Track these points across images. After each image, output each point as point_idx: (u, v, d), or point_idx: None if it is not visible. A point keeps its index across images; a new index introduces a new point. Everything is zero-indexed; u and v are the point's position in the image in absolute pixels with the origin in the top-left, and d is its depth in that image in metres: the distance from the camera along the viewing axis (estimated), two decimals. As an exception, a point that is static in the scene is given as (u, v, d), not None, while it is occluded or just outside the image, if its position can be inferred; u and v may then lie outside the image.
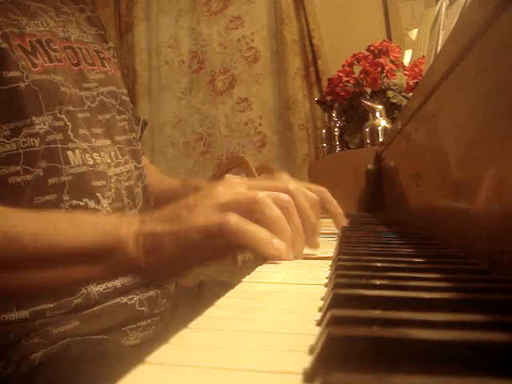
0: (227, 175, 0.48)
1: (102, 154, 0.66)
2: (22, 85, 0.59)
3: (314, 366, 0.16)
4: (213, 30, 2.35)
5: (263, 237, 0.41)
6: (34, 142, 0.59)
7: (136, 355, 0.18)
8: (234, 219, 0.41)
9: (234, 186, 0.46)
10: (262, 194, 0.43)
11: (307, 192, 0.49)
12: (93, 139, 0.66)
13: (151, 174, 0.87)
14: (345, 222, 0.61)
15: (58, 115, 0.62)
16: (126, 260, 0.45)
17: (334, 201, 0.60)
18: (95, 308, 0.60)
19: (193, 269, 0.47)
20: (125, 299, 0.63)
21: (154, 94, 2.41)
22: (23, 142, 0.58)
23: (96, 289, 0.61)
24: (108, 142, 0.69)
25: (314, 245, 0.48)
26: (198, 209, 0.43)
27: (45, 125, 0.60)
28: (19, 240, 0.44)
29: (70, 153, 0.62)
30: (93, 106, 0.68)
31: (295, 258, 0.44)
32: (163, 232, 0.44)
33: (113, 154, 0.69)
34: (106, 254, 0.45)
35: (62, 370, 0.53)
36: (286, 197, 0.45)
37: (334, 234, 0.62)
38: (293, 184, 0.47)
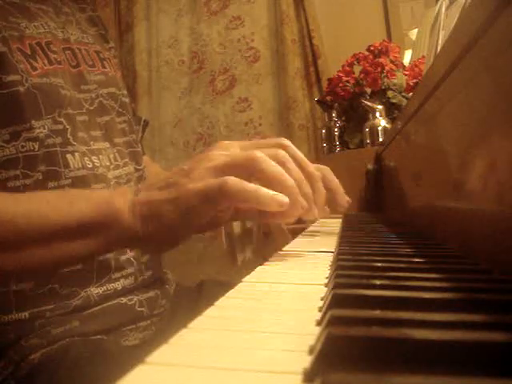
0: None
1: (100, 157, 0.66)
2: (22, 89, 0.59)
3: (314, 366, 0.16)
4: (213, 30, 2.35)
5: (264, 193, 0.41)
6: (33, 146, 0.59)
7: (136, 355, 0.18)
8: (233, 180, 0.41)
9: (228, 148, 0.46)
10: (258, 153, 0.43)
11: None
12: (91, 142, 0.66)
13: (151, 169, 0.87)
14: (346, 201, 0.60)
15: (58, 118, 0.61)
16: (123, 230, 0.44)
17: (335, 178, 0.60)
18: (95, 308, 0.60)
19: (191, 235, 0.47)
20: (124, 300, 0.63)
21: (154, 94, 2.41)
22: (22, 146, 0.58)
23: (96, 291, 0.61)
24: (107, 144, 0.68)
25: (318, 198, 0.48)
26: (194, 173, 0.43)
27: (44, 128, 0.60)
28: (12, 221, 0.44)
29: (69, 156, 0.61)
30: (91, 108, 0.68)
31: (315, 214, 0.44)
32: (160, 199, 0.43)
33: (112, 156, 0.68)
34: (101, 225, 0.45)
35: (62, 371, 0.53)
36: (281, 151, 0.45)
37: (334, 233, 0.62)
38: (285, 140, 0.47)
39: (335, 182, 0.60)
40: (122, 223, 0.44)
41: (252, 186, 0.41)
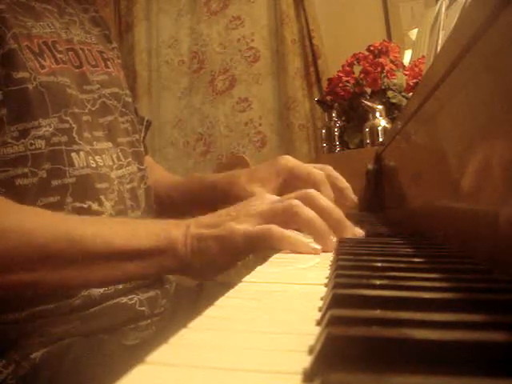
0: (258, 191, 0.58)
1: (104, 156, 0.66)
2: (30, 86, 0.59)
3: (314, 366, 0.16)
4: (213, 30, 2.35)
5: (301, 242, 0.48)
6: (40, 143, 0.59)
7: (136, 355, 0.18)
8: (275, 228, 0.47)
9: (268, 199, 0.53)
10: (294, 202, 0.50)
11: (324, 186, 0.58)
12: (94, 142, 0.66)
13: (155, 171, 0.87)
14: (353, 196, 0.64)
15: (64, 117, 0.62)
16: (176, 258, 0.50)
17: (339, 175, 0.63)
18: (95, 308, 0.60)
19: (232, 267, 0.53)
20: (125, 299, 0.63)
21: (154, 94, 2.41)
22: (31, 144, 0.58)
23: (97, 290, 0.61)
24: (110, 144, 0.68)
25: (351, 232, 0.54)
26: (240, 218, 0.50)
27: (50, 127, 0.60)
28: (81, 241, 0.49)
29: (74, 155, 0.62)
30: (93, 109, 0.68)
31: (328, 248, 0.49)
32: (208, 235, 0.50)
33: (115, 156, 0.68)
34: (158, 253, 0.50)
35: (62, 370, 0.53)
36: (310, 191, 0.52)
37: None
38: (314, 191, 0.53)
39: (342, 180, 0.63)
40: (175, 252, 0.50)
41: (291, 235, 0.48)
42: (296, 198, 0.51)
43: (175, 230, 0.51)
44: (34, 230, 0.49)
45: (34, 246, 0.48)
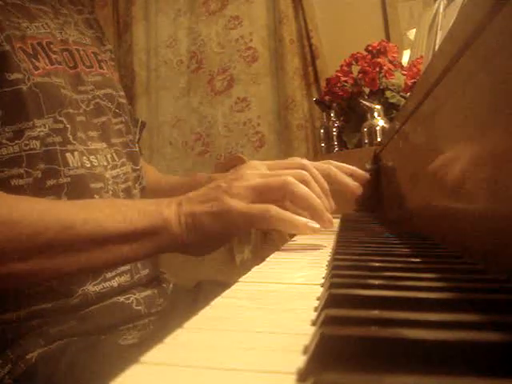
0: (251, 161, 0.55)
1: (98, 156, 0.66)
2: (24, 87, 0.59)
3: (308, 366, 0.16)
4: (211, 30, 2.35)
5: (300, 221, 0.48)
6: (35, 144, 0.59)
7: (133, 355, 0.18)
8: (274, 209, 0.48)
9: (258, 168, 0.52)
10: (288, 177, 0.49)
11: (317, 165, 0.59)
12: (89, 142, 0.66)
13: (149, 173, 0.87)
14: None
15: (58, 118, 0.62)
16: (171, 237, 0.50)
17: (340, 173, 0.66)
18: (92, 307, 0.60)
19: (228, 242, 0.54)
20: (122, 298, 0.63)
21: (153, 94, 2.41)
22: (25, 145, 0.58)
23: (93, 289, 0.61)
24: (104, 145, 0.69)
25: (329, 208, 0.56)
26: (233, 191, 0.49)
27: (45, 127, 0.60)
28: (73, 226, 0.48)
29: (68, 155, 0.62)
30: (88, 109, 0.68)
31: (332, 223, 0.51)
32: (202, 212, 0.49)
33: (109, 156, 0.69)
34: (152, 233, 0.50)
35: (59, 370, 0.53)
36: (304, 172, 0.52)
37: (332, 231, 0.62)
38: (305, 160, 0.55)
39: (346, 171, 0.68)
40: (170, 232, 0.50)
41: (289, 215, 0.48)
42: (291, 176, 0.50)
43: (167, 210, 0.50)
44: (24, 219, 0.48)
45: (25, 235, 0.47)
